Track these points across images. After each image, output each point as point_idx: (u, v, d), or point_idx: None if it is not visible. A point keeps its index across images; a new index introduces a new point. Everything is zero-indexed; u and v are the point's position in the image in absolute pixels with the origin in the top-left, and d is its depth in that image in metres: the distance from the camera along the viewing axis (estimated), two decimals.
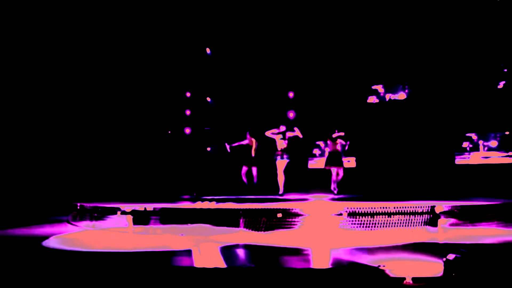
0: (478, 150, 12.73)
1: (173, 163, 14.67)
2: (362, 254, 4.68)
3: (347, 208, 6.11)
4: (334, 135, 10.61)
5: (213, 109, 15.13)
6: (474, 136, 12.81)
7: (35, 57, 12.65)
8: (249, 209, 6.34)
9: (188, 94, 15.17)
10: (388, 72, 13.88)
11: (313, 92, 14.38)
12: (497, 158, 12.49)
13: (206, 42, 15.02)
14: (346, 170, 10.71)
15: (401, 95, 13.76)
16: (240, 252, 5.20)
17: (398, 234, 5.93)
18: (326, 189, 10.87)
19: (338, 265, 4.48)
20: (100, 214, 7.12)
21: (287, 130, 10.14)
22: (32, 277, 4.00)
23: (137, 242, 5.99)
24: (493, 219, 6.38)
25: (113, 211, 6.91)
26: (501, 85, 12.52)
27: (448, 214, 6.18)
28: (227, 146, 10.98)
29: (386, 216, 6.01)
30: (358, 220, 5.99)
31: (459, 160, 12.87)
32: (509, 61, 12.42)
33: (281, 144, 10.00)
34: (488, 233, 5.95)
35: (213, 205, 7.31)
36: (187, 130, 15.12)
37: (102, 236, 6.51)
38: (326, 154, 10.96)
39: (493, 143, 12.57)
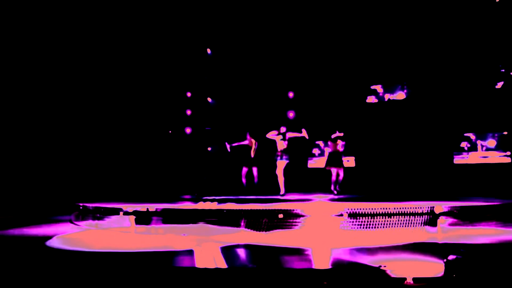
0: (476, 150, 12.80)
1: (173, 163, 14.70)
2: (362, 255, 4.71)
3: (348, 209, 6.16)
4: (333, 136, 10.67)
5: (213, 109, 15.16)
6: (472, 136, 12.87)
7: (38, 61, 12.67)
8: (251, 210, 6.39)
9: (188, 94, 15.20)
10: (387, 72, 13.92)
11: (312, 92, 14.42)
12: (495, 157, 12.57)
13: (207, 43, 15.04)
14: (346, 170, 10.77)
15: (400, 95, 13.81)
16: (242, 252, 5.23)
17: (398, 234, 5.97)
18: (326, 189, 10.92)
19: (339, 265, 4.50)
20: (103, 214, 7.16)
21: (287, 130, 10.18)
22: (37, 277, 4.04)
23: (139, 242, 6.02)
24: (492, 219, 6.44)
25: (116, 212, 6.95)
26: (499, 85, 12.58)
27: (447, 214, 6.23)
28: (228, 146, 11.02)
29: (386, 216, 6.05)
30: (359, 221, 6.04)
31: (457, 160, 12.94)
32: (507, 62, 12.47)
33: (281, 145, 10.03)
34: (487, 233, 5.99)
35: (214, 205, 7.35)
36: (188, 130, 15.15)
37: (105, 236, 6.55)
38: (326, 154, 11.01)
39: (491, 143, 12.64)
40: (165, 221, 6.65)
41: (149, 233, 6.64)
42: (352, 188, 11.45)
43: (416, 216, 6.11)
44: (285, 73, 14.41)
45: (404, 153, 13.38)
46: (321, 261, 4.73)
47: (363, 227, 6.02)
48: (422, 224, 6.11)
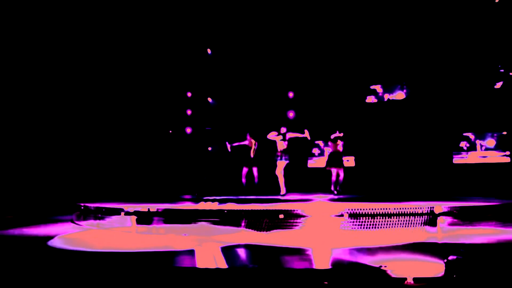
0: (475, 149, 12.84)
1: (174, 163, 14.72)
2: (363, 255, 4.74)
3: (348, 209, 6.19)
4: (333, 136, 10.69)
5: (214, 109, 15.18)
6: (471, 136, 12.91)
7: (39, 61, 12.68)
8: (251, 210, 6.42)
9: (189, 94, 15.22)
10: (387, 72, 13.95)
11: (312, 92, 14.44)
12: (494, 157, 12.60)
13: (207, 43, 15.06)
14: (346, 170, 10.80)
15: (400, 95, 13.84)
16: (242, 252, 5.25)
17: (398, 234, 6.00)
18: (326, 189, 10.95)
19: (339, 265, 4.52)
20: (104, 214, 7.19)
21: (288, 130, 10.21)
22: (40, 277, 4.06)
23: (140, 242, 6.05)
24: (492, 219, 6.47)
25: (117, 212, 6.98)
26: (498, 85, 12.61)
27: (447, 214, 6.26)
28: (228, 146, 11.05)
29: (386, 217, 6.08)
30: (359, 221, 6.07)
31: (456, 159, 12.97)
32: (506, 62, 12.50)
33: (281, 145, 10.06)
34: (487, 233, 6.02)
35: (215, 205, 7.37)
36: (188, 130, 15.17)
37: (106, 236, 6.57)
38: (326, 154, 11.03)
39: (490, 143, 12.67)
40: (166, 221, 6.67)
41: (150, 233, 6.67)
42: (352, 188, 11.47)
43: (416, 216, 6.14)
44: (285, 73, 14.43)
45: (403, 152, 13.41)
46: (321, 261, 4.75)
47: (363, 227, 6.05)
48: (422, 224, 6.14)
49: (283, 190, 10.09)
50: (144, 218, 6.76)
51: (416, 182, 12.65)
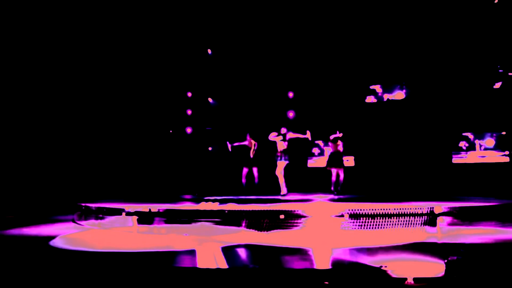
0: (474, 149, 12.87)
1: (174, 163, 14.73)
2: (363, 255, 4.77)
3: (348, 209, 6.22)
4: (333, 136, 10.72)
5: (214, 109, 15.19)
6: (470, 136, 12.94)
7: (40, 61, 12.69)
8: (252, 210, 6.44)
9: (189, 94, 15.24)
10: (386, 72, 13.97)
11: (312, 92, 14.46)
12: (493, 157, 12.64)
13: (208, 43, 15.07)
14: (346, 169, 10.82)
15: (399, 95, 13.86)
16: (243, 252, 5.27)
17: (398, 235, 6.03)
18: (326, 189, 10.98)
19: (340, 265, 4.54)
20: (105, 215, 7.21)
21: (288, 130, 10.24)
22: (42, 277, 4.08)
23: (141, 242, 6.07)
24: (491, 219, 6.50)
25: (118, 212, 7.00)
26: (497, 85, 12.65)
27: (447, 214, 6.29)
28: (229, 145, 11.06)
29: (387, 217, 6.11)
30: (359, 221, 6.09)
31: (456, 159, 13.01)
32: (505, 62, 12.54)
33: (281, 146, 10.08)
34: (487, 233, 6.04)
35: (216, 206, 7.40)
36: (189, 130, 15.19)
37: (107, 236, 6.60)
38: (325, 153, 11.04)
39: (489, 143, 12.71)
40: (167, 221, 6.70)
41: (151, 233, 6.69)
42: (352, 188, 11.49)
43: (416, 216, 6.16)
44: (285, 73, 14.45)
45: (403, 152, 13.44)
46: (321, 261, 4.76)
47: (364, 228, 6.08)
48: (422, 224, 6.17)
49: (283, 190, 10.11)
50: (145, 218, 6.79)
51: (415, 182, 12.68)
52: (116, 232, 6.86)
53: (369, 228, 6.07)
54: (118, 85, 13.98)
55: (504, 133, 12.53)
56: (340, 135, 10.67)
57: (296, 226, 6.16)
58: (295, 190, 11.15)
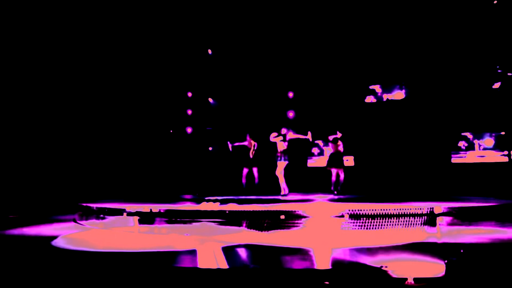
0: (473, 149, 12.90)
1: (175, 163, 14.74)
2: (363, 255, 4.78)
3: (348, 210, 6.24)
4: (332, 137, 10.73)
5: (214, 109, 15.20)
6: (469, 136, 12.97)
7: (40, 61, 12.70)
8: (253, 211, 6.47)
9: (189, 94, 15.25)
10: (386, 72, 13.99)
11: (312, 92, 14.48)
12: (492, 157, 12.67)
13: (208, 43, 15.08)
14: (345, 169, 10.84)
15: (398, 95, 13.88)
16: (243, 252, 5.29)
17: (398, 235, 6.05)
18: (326, 189, 11.00)
19: (340, 265, 4.56)
20: (106, 215, 7.24)
21: (289, 130, 10.25)
22: (45, 277, 4.11)
23: (142, 242, 6.10)
24: (491, 219, 6.53)
25: (119, 212, 7.03)
26: (496, 85, 12.67)
27: (446, 214, 6.32)
28: (229, 145, 11.08)
29: (387, 217, 6.14)
30: (359, 222, 6.12)
31: (455, 159, 13.03)
32: (504, 62, 12.56)
33: (281, 146, 10.10)
34: (486, 233, 6.06)
35: (216, 206, 7.42)
36: (189, 130, 15.20)
37: (109, 236, 6.63)
38: (325, 153, 11.05)
39: (489, 142, 12.73)
40: (168, 221, 6.72)
41: (152, 233, 6.71)
42: (351, 188, 11.51)
43: (416, 216, 6.19)
44: (285, 73, 14.46)
45: (402, 152, 13.46)
46: (322, 261, 4.78)
47: (364, 228, 6.10)
48: (422, 224, 6.20)
49: (283, 190, 10.13)
50: (146, 218, 6.81)
51: (414, 182, 12.70)
52: (117, 232, 6.89)
53: (369, 228, 6.10)
54: (119, 85, 13.99)
55: (503, 133, 12.56)
56: (340, 135, 10.68)
57: (297, 226, 6.18)
58: (295, 190, 11.17)
